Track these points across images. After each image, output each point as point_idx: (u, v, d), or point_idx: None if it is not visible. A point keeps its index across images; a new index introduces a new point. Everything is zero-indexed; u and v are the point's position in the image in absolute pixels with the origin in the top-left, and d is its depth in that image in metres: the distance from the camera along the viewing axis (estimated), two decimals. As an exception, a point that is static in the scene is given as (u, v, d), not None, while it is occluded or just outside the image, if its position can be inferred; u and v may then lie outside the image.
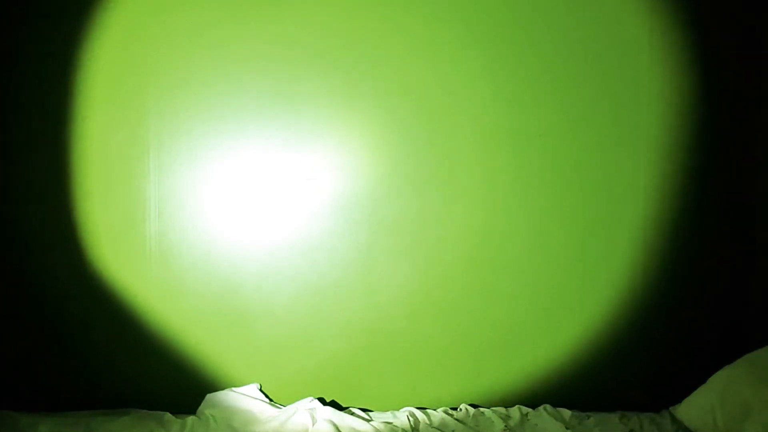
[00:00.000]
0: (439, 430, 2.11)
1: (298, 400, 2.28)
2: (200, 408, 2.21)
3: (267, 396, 2.30)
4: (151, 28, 2.22)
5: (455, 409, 2.28)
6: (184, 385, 2.29)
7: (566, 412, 2.22)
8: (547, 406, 2.27)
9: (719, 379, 2.05)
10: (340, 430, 2.06)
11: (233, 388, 2.25)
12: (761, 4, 2.33)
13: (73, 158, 2.23)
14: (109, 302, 2.26)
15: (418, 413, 2.21)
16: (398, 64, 2.27)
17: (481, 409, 2.26)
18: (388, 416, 2.21)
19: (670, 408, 2.24)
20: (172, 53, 2.23)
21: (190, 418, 2.13)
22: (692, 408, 2.10)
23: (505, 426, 2.13)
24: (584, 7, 2.29)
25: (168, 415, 2.16)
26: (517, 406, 2.27)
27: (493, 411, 2.24)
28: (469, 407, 2.27)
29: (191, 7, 2.23)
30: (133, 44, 2.22)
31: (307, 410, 2.15)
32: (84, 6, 2.21)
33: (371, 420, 2.17)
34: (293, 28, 2.24)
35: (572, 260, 2.34)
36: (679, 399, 2.23)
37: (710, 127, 2.34)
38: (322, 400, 2.30)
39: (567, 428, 2.10)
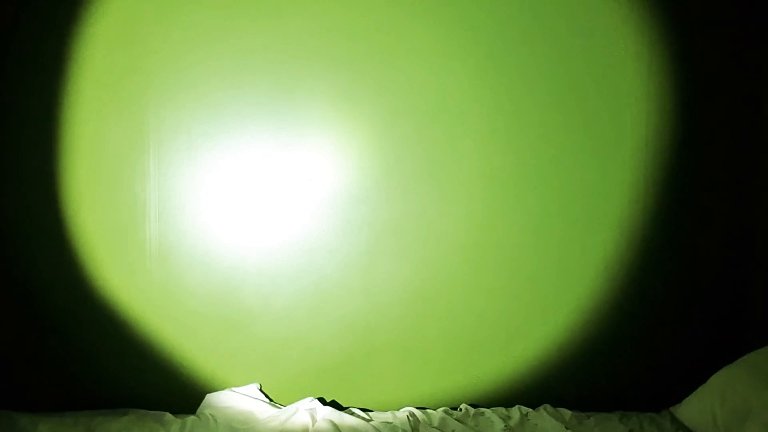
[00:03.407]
0: (439, 430, 2.11)
1: (298, 400, 2.28)
2: (200, 408, 2.21)
3: (267, 396, 2.30)
4: (150, 27, 2.22)
5: (455, 409, 2.28)
6: (184, 385, 2.29)
7: (566, 412, 2.22)
8: (547, 406, 2.27)
9: (719, 379, 2.05)
10: (340, 430, 2.06)
11: (233, 388, 2.25)
12: (752, 11, 2.33)
13: (72, 159, 2.22)
14: (109, 302, 2.26)
15: (418, 413, 2.21)
16: (398, 63, 2.27)
17: (481, 409, 2.26)
18: (388, 416, 2.21)
19: (670, 408, 2.24)
20: (171, 52, 2.22)
21: (190, 418, 2.13)
22: (692, 408, 2.10)
23: (505, 426, 2.13)
24: (579, 13, 2.29)
25: (168, 415, 2.16)
26: (517, 406, 2.27)
27: (493, 411, 2.24)
28: (469, 407, 2.27)
29: (190, 5, 2.22)
30: (132, 43, 2.22)
31: (307, 410, 2.15)
32: (81, 3, 2.20)
33: (371, 420, 2.17)
34: (293, 27, 2.24)
35: (571, 260, 2.34)
36: (679, 399, 2.23)
37: (706, 127, 2.34)
38: (322, 400, 2.30)
39: (567, 428, 2.10)
